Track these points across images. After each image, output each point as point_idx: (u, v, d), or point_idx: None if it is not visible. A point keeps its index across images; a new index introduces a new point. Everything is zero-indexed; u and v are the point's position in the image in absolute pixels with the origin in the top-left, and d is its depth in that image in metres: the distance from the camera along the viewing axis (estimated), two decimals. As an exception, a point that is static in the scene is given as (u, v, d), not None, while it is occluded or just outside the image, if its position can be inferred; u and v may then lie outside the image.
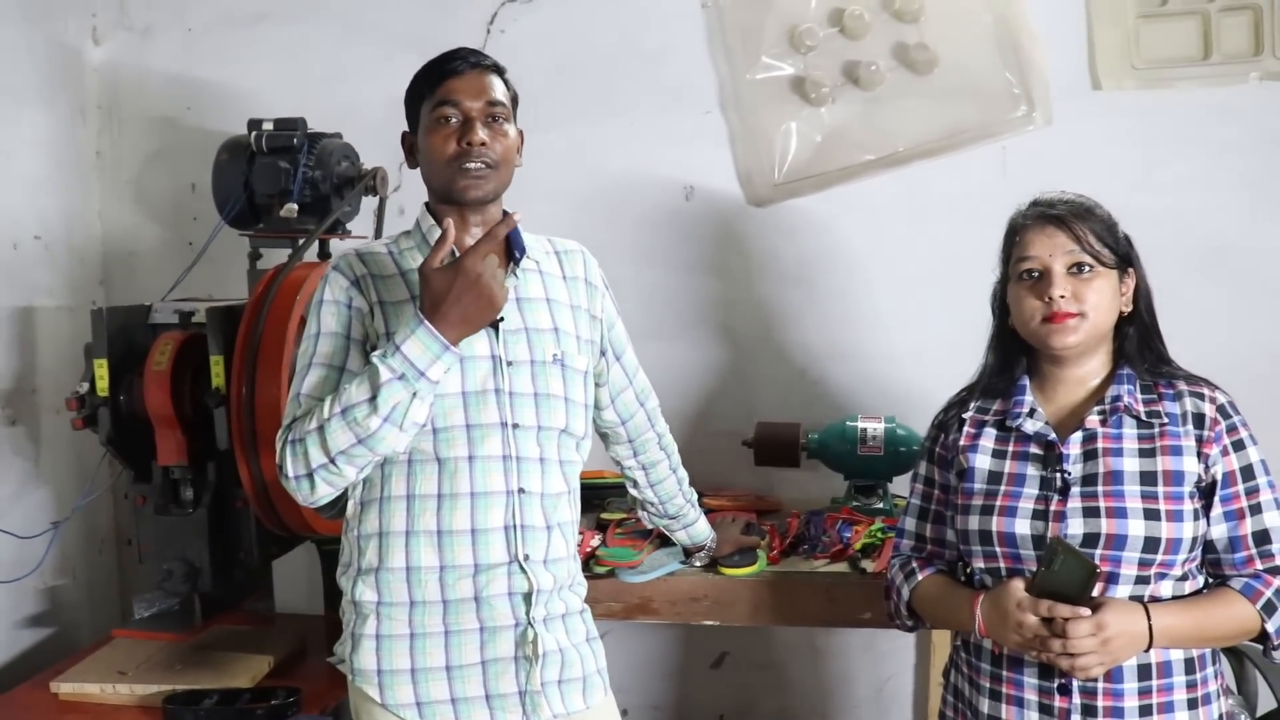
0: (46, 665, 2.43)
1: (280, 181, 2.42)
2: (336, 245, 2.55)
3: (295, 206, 2.41)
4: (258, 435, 2.17)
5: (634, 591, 2.17)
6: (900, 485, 2.56)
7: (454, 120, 1.73)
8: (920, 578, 1.82)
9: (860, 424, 2.50)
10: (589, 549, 2.26)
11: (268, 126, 2.48)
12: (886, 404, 2.66)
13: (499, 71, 1.79)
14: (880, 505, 2.50)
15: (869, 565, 2.18)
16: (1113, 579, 1.62)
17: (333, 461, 1.62)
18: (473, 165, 1.71)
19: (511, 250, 1.80)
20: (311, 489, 1.65)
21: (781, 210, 2.79)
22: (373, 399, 1.58)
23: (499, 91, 1.76)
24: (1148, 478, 1.64)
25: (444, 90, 1.74)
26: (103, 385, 2.32)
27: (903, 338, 2.75)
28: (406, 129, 1.82)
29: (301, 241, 2.41)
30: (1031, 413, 1.73)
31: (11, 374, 2.68)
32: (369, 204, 2.64)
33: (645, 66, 2.80)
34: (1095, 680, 1.61)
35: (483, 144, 1.71)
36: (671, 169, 2.82)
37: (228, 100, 2.91)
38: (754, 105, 2.76)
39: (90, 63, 3.01)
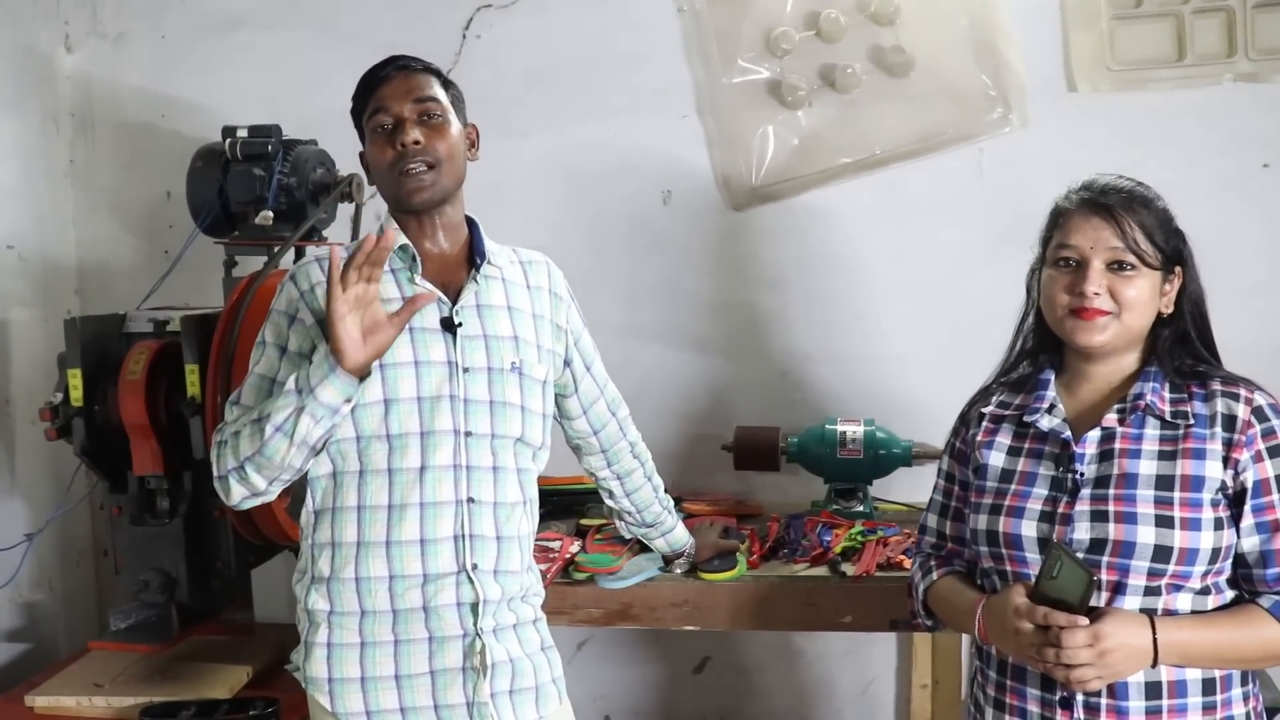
0: (22, 678, 2.40)
1: (255, 189, 2.41)
2: (313, 252, 2.53)
3: (271, 214, 2.40)
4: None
5: (614, 598, 2.16)
6: (880, 488, 2.58)
7: (388, 125, 1.73)
8: (935, 576, 1.75)
9: (840, 427, 2.50)
10: (568, 555, 2.26)
11: (242, 133, 2.46)
12: (866, 407, 2.66)
13: (431, 71, 1.79)
14: (860, 508, 2.50)
15: (849, 569, 2.18)
16: (1120, 589, 1.51)
17: (242, 467, 1.64)
18: (412, 167, 1.71)
19: (473, 256, 1.80)
20: (227, 492, 1.68)
21: (759, 213, 2.79)
22: (274, 404, 1.61)
23: (431, 89, 1.76)
24: (1164, 482, 1.53)
25: (375, 99, 1.75)
26: (77, 395, 2.30)
27: (881, 340, 2.75)
28: (362, 149, 1.82)
29: (277, 249, 2.40)
30: (1051, 409, 1.63)
31: (-15, 385, 2.66)
32: (345, 210, 2.62)
33: (622, 71, 2.79)
34: (1099, 695, 1.51)
35: (416, 143, 1.71)
36: (649, 173, 2.81)
37: (202, 107, 2.89)
38: (731, 109, 2.76)
39: (63, 70, 2.98)
